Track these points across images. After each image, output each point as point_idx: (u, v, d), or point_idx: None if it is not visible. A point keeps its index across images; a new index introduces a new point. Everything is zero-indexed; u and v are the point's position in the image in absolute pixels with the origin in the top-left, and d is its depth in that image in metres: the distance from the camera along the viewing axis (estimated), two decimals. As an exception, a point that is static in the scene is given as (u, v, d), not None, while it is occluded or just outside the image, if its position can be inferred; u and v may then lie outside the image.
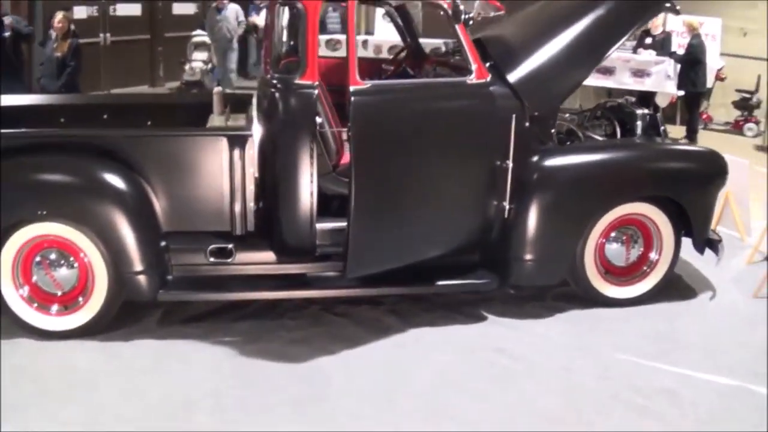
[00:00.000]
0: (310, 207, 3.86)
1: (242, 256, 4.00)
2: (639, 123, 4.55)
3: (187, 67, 10.19)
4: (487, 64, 4.08)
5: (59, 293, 3.94)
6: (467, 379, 3.63)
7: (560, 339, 4.01)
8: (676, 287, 4.54)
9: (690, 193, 4.19)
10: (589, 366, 3.76)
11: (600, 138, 4.47)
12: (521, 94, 4.04)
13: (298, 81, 3.82)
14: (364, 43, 10.17)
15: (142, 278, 3.82)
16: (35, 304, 3.91)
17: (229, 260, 3.98)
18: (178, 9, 11.81)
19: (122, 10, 10.80)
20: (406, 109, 3.83)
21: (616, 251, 4.26)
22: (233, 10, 10.66)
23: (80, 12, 9.83)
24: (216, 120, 4.66)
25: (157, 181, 3.90)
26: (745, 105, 9.72)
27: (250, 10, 11.49)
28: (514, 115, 3.95)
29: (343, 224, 3.97)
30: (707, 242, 4.31)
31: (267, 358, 3.77)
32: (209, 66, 10.19)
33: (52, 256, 3.92)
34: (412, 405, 3.43)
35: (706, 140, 8.31)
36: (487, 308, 4.29)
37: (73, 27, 7.75)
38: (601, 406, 3.45)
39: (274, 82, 3.93)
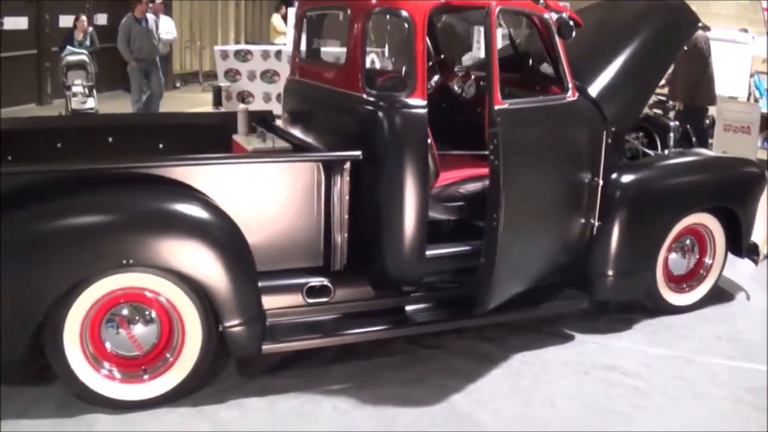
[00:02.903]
0: (422, 236, 3.38)
1: (339, 293, 3.43)
2: (672, 135, 4.53)
3: (71, 93, 8.57)
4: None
5: (139, 354, 3.16)
6: (603, 402, 3.36)
7: (652, 350, 3.85)
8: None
9: (742, 202, 4.22)
10: (699, 373, 3.64)
11: (653, 152, 4.38)
12: (604, 110, 3.84)
13: (406, 99, 3.34)
14: (277, 54, 9.47)
15: (244, 330, 3.13)
16: (120, 376, 3.12)
17: (327, 299, 3.41)
18: (65, 21, 10.35)
19: (8, 23, 9.29)
20: (536, 129, 3.50)
21: (676, 261, 4.20)
22: (164, 21, 9.32)
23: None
24: (245, 141, 4.03)
25: (244, 214, 3.24)
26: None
27: None
28: (604, 132, 3.75)
29: (447, 251, 3.58)
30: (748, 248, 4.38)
31: (397, 404, 3.25)
32: (87, 90, 8.72)
33: (124, 312, 3.13)
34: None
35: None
36: (566, 326, 4.04)
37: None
38: (737, 412, 3.34)
39: (373, 99, 3.38)
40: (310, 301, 3.37)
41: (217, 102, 8.16)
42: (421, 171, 3.35)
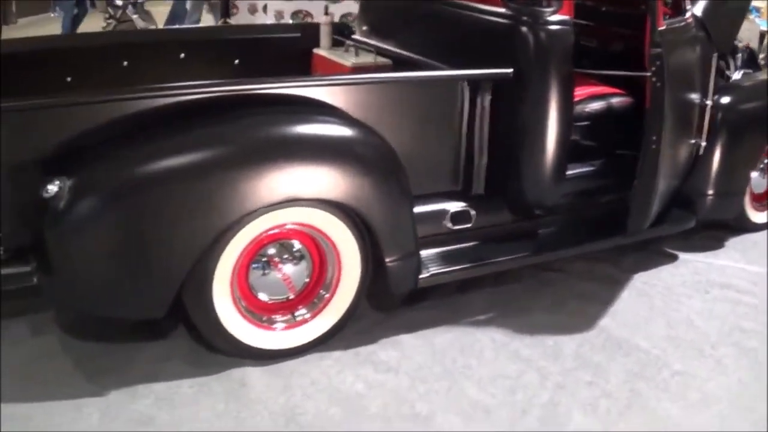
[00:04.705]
0: (564, 159, 3.08)
1: (479, 219, 3.07)
2: (740, 55, 4.31)
3: (130, 12, 7.13)
4: None
5: (292, 296, 2.73)
6: (735, 320, 3.19)
7: (751, 268, 3.70)
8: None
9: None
10: (803, 289, 3.57)
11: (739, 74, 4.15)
12: (710, 32, 3.56)
13: (554, 17, 2.93)
14: (264, 7, 8.45)
15: (404, 263, 2.76)
16: (275, 324, 2.70)
17: (470, 225, 3.05)
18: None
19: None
20: (681, 51, 3.20)
21: (757, 180, 4.03)
22: None
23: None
24: (334, 56, 3.53)
25: (388, 136, 2.78)
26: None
27: None
28: (715, 54, 3.48)
29: (579, 171, 3.29)
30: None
31: (551, 332, 2.99)
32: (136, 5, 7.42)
33: (271, 252, 2.68)
34: (726, 353, 2.94)
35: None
36: (665, 245, 3.83)
37: None
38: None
39: (516, 14, 2.96)
40: (454, 228, 3.01)
41: (225, 14, 7.14)
42: (567, 91, 3.00)
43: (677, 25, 3.32)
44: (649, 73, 2.99)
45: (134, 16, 6.86)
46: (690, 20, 3.40)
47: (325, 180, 2.54)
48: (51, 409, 2.44)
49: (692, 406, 2.64)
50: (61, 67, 3.35)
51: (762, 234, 4.08)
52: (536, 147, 3.01)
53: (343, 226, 2.64)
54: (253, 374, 2.65)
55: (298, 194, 2.50)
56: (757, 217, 4.09)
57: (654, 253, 3.76)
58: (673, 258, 3.75)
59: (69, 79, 3.37)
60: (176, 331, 2.87)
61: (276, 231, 2.62)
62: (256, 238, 2.56)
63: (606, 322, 3.11)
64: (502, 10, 3.01)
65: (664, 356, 2.91)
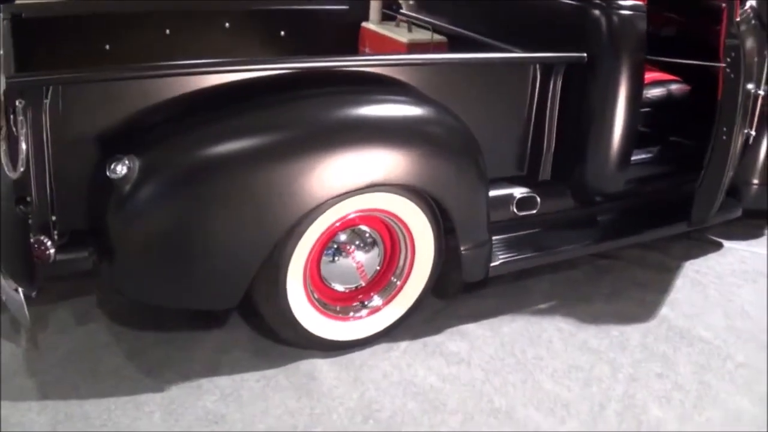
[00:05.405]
0: (630, 148, 2.97)
1: (543, 206, 2.96)
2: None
3: None
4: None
5: (363, 284, 2.60)
6: (789, 309, 3.20)
7: (794, 257, 3.73)
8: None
9: None
10: None
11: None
12: (764, 21, 3.44)
13: (627, 2, 2.80)
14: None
15: (478, 251, 2.65)
16: (362, 313, 2.58)
17: (534, 211, 2.94)
18: None
19: None
20: (746, 39, 3.05)
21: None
22: None
23: None
24: (386, 31, 3.39)
25: (467, 120, 2.64)
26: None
27: None
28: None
29: (641, 157, 3.20)
30: None
31: (615, 321, 2.91)
32: None
33: (342, 238, 2.54)
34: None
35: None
36: (710, 233, 3.76)
37: None
38: None
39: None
40: (519, 214, 2.90)
41: None
42: (638, 78, 2.88)
43: (744, 15, 3.22)
44: (723, 64, 2.89)
45: None
46: (749, 10, 3.31)
47: (407, 165, 2.39)
48: (108, 405, 2.28)
49: (761, 399, 2.60)
50: (99, 33, 3.15)
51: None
52: (604, 133, 2.88)
53: (419, 211, 2.52)
54: (322, 367, 2.53)
55: (380, 179, 2.35)
56: (792, 205, 4.11)
57: (699, 240, 3.70)
58: (717, 245, 3.69)
59: (107, 47, 3.17)
60: (232, 319, 2.74)
61: (351, 217, 2.48)
62: (331, 225, 2.42)
63: (666, 311, 3.04)
64: (573, -8, 2.88)
65: (725, 347, 2.86)
